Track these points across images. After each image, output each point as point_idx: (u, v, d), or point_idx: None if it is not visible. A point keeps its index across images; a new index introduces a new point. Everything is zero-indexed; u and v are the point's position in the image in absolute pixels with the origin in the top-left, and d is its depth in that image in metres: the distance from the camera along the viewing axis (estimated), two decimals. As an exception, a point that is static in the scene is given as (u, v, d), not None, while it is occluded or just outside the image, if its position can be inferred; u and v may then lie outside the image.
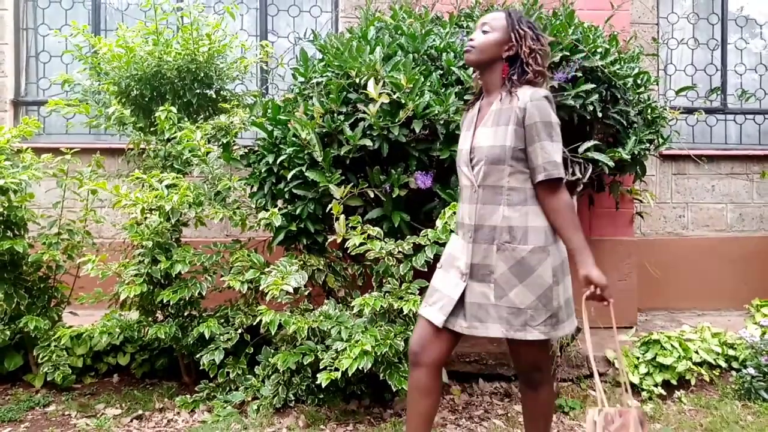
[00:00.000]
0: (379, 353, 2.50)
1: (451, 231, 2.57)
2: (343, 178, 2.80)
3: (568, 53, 2.88)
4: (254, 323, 2.86)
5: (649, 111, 3.28)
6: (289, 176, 2.79)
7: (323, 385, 2.54)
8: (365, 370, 2.50)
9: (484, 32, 1.88)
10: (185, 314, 3.00)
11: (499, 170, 1.84)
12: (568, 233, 1.83)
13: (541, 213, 1.85)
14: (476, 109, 1.97)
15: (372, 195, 2.79)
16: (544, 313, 1.84)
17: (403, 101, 2.66)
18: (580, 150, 2.95)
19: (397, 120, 2.67)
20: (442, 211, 2.63)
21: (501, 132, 1.83)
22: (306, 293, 2.83)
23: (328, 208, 2.75)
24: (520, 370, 2.04)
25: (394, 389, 2.62)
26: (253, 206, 3.04)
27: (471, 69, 2.84)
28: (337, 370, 2.53)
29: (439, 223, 2.63)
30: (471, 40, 1.90)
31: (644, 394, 3.07)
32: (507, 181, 1.84)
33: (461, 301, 1.89)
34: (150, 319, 3.02)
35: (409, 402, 1.97)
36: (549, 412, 2.06)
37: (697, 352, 3.21)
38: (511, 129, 1.82)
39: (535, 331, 1.84)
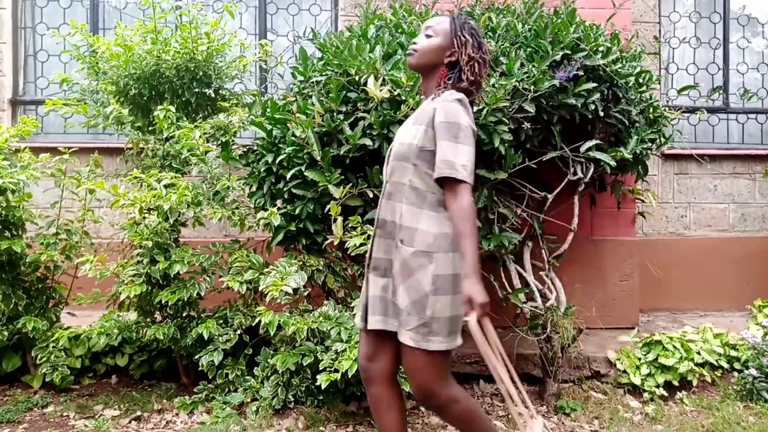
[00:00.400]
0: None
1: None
2: (343, 177, 2.78)
3: (569, 52, 2.86)
4: (253, 324, 2.84)
5: (650, 110, 3.27)
6: (289, 176, 2.77)
7: (323, 387, 2.53)
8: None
9: (428, 36, 1.88)
10: (184, 315, 2.99)
11: (403, 167, 1.84)
12: (458, 238, 1.75)
13: (437, 219, 1.81)
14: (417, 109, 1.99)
15: (372, 195, 2.78)
16: (416, 320, 1.79)
17: (403, 98, 2.64)
18: (582, 149, 2.94)
19: (398, 114, 2.64)
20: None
21: (413, 131, 1.84)
22: (305, 294, 2.82)
23: (327, 208, 2.73)
24: (416, 396, 1.93)
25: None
26: (252, 206, 3.02)
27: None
28: (336, 371, 2.51)
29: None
30: (414, 43, 1.90)
31: (646, 395, 3.06)
32: (409, 180, 1.83)
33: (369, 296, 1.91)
34: (148, 320, 3.01)
35: (375, 420, 1.96)
36: (469, 427, 1.97)
37: (699, 353, 3.19)
38: (422, 129, 1.82)
39: (405, 335, 1.80)
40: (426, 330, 1.79)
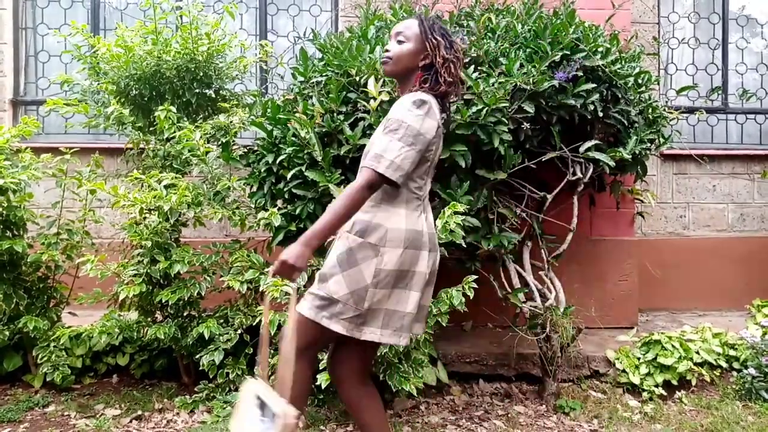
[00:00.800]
0: (378, 353, 2.49)
1: (451, 231, 2.57)
2: (343, 177, 2.78)
3: (568, 52, 2.87)
4: (254, 323, 2.85)
5: (650, 110, 3.28)
6: (289, 176, 2.78)
7: (323, 386, 2.54)
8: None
9: (399, 42, 1.86)
10: (184, 314, 3.00)
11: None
12: (323, 221, 1.72)
13: (392, 215, 1.82)
14: None
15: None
16: (353, 310, 1.80)
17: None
18: (581, 150, 2.95)
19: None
20: (442, 211, 2.62)
21: (378, 131, 1.86)
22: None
23: (327, 208, 2.74)
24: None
25: (394, 389, 2.62)
26: (253, 206, 3.03)
27: (471, 69, 2.84)
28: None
29: (438, 223, 2.61)
30: (387, 51, 1.88)
31: (645, 394, 3.07)
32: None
33: None
34: (149, 319, 3.01)
35: (360, 421, 1.96)
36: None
37: (697, 353, 3.20)
38: (380, 130, 1.83)
39: (338, 324, 1.80)
40: (360, 321, 1.81)
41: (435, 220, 2.69)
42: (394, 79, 2.00)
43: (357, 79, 2.78)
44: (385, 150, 1.76)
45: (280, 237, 2.86)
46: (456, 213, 2.57)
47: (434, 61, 1.86)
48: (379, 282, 1.80)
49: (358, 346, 1.91)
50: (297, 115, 2.77)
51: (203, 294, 2.91)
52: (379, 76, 2.71)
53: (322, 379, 2.53)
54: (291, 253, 1.68)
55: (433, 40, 1.86)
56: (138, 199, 2.74)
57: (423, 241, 1.86)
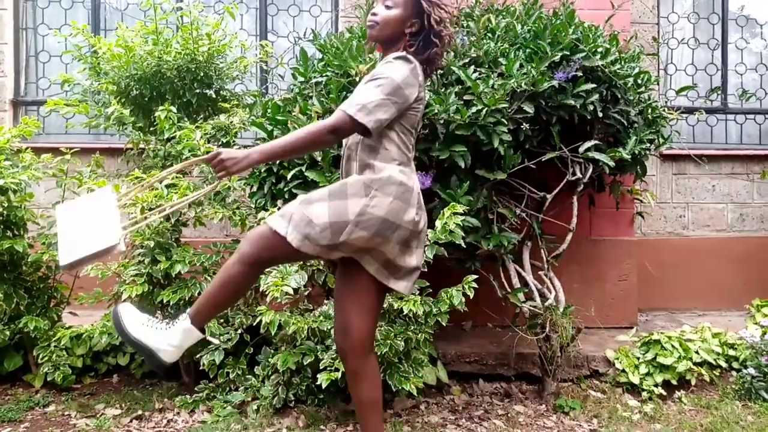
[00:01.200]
0: (378, 353, 2.49)
1: (450, 231, 2.57)
2: (343, 178, 2.79)
3: (568, 53, 2.88)
4: (254, 323, 2.86)
5: (649, 111, 3.28)
6: (289, 176, 2.79)
7: (323, 386, 2.54)
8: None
9: (387, 7, 1.82)
10: (185, 314, 2.99)
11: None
12: (275, 143, 1.77)
13: (388, 165, 1.82)
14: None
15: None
16: (327, 240, 1.76)
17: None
18: (581, 150, 2.95)
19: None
20: (441, 211, 2.62)
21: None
22: (306, 293, 2.83)
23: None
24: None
25: (394, 389, 2.62)
26: (253, 206, 3.03)
27: (471, 69, 2.85)
28: (337, 370, 2.53)
29: (438, 223, 2.62)
30: (374, 15, 1.83)
31: (644, 394, 3.07)
32: (358, 139, 1.85)
33: None
34: (150, 319, 3.01)
35: (355, 395, 1.98)
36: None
37: (697, 353, 3.21)
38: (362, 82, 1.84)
39: (308, 246, 1.76)
40: (328, 249, 1.79)
41: (435, 220, 2.71)
42: (379, 43, 1.95)
43: (357, 79, 2.78)
44: (361, 96, 1.75)
45: (281, 237, 2.86)
46: (455, 214, 2.57)
47: (427, 25, 1.83)
48: (360, 222, 1.77)
49: (362, 314, 1.92)
50: (294, 115, 2.78)
51: (203, 294, 2.91)
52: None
53: (323, 379, 2.53)
54: (230, 152, 1.73)
55: (430, 12, 1.83)
56: (139, 199, 2.75)
57: (413, 196, 1.85)
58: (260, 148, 1.75)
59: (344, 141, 1.96)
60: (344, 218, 1.77)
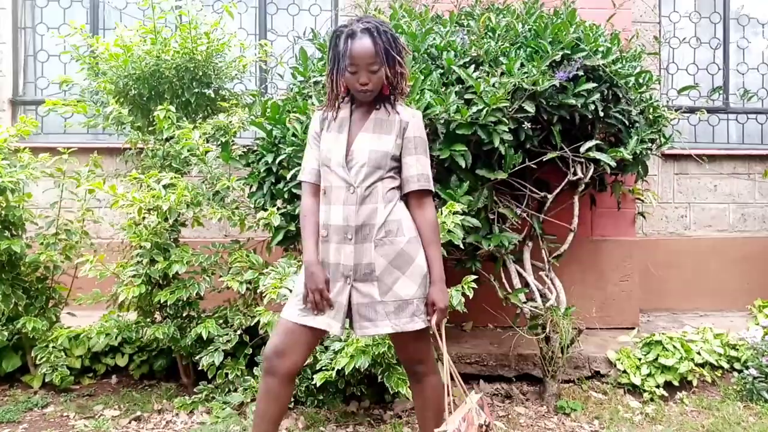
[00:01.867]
0: (376, 353, 2.48)
1: (449, 231, 2.55)
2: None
3: (569, 52, 2.86)
4: (253, 324, 2.84)
5: (651, 110, 3.27)
6: (289, 176, 2.77)
7: (320, 385, 2.53)
8: (362, 370, 2.49)
9: (373, 72, 1.87)
10: (184, 315, 2.99)
11: (378, 173, 1.92)
12: (427, 247, 1.94)
13: (407, 213, 1.97)
14: (346, 114, 1.98)
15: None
16: (424, 301, 1.93)
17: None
18: (582, 149, 2.93)
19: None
20: (440, 210, 2.61)
21: (384, 140, 1.93)
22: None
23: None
24: (406, 363, 2.07)
25: (392, 391, 2.60)
26: (252, 206, 3.02)
27: (471, 69, 2.83)
28: (333, 369, 2.51)
29: (438, 222, 2.60)
30: (365, 84, 1.88)
31: (646, 395, 3.06)
32: (383, 183, 1.93)
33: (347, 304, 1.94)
34: (148, 320, 3.00)
35: (257, 404, 2.00)
36: (437, 404, 2.05)
37: (699, 353, 3.19)
38: (393, 138, 1.93)
39: (419, 320, 1.92)
40: (428, 309, 1.94)
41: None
42: None
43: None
44: (428, 169, 1.98)
45: (280, 237, 2.85)
46: (454, 213, 2.55)
47: (395, 78, 1.93)
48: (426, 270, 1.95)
49: (315, 344, 2.05)
50: (292, 115, 2.76)
51: (202, 294, 2.90)
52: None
53: (318, 378, 2.52)
54: (439, 298, 1.91)
55: (390, 61, 1.89)
56: (137, 199, 2.73)
57: None
58: (438, 272, 1.93)
59: (340, 182, 1.93)
60: (423, 274, 1.98)
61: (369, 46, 1.84)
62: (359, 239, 1.90)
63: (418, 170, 1.94)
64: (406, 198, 1.97)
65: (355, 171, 1.90)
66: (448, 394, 1.93)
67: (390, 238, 1.90)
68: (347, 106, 1.99)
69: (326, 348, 2.64)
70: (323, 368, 2.56)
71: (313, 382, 2.55)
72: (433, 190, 1.98)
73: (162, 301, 2.81)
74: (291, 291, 2.12)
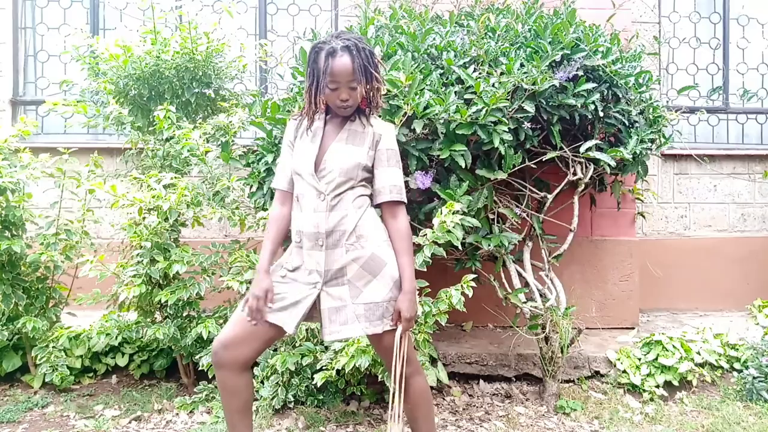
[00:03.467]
0: (377, 353, 2.48)
1: (448, 231, 2.56)
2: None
3: (569, 52, 2.87)
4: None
5: (650, 110, 3.27)
6: (289, 176, 2.77)
7: (320, 385, 2.53)
8: (362, 369, 2.49)
9: (353, 88, 1.91)
10: (184, 315, 2.99)
11: (350, 183, 1.96)
12: (402, 258, 1.96)
13: (378, 221, 2.00)
14: (320, 124, 2.02)
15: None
16: (390, 307, 1.95)
17: (401, 99, 2.64)
18: (582, 149, 2.93)
19: (396, 116, 2.65)
20: (439, 210, 2.61)
21: (357, 151, 1.97)
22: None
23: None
24: (389, 366, 2.05)
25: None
26: (252, 206, 3.02)
27: (471, 69, 2.83)
28: (334, 369, 2.52)
29: (436, 221, 2.61)
30: (345, 100, 1.92)
31: (646, 394, 3.06)
32: (353, 191, 1.97)
33: (314, 307, 1.96)
34: (149, 319, 3.00)
35: (222, 401, 2.02)
36: (427, 406, 2.09)
37: (698, 353, 3.19)
38: (366, 150, 1.97)
39: (389, 323, 1.94)
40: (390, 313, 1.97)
41: (431, 218, 2.69)
42: None
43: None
44: (400, 180, 2.02)
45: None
46: (454, 212, 2.55)
47: (377, 85, 1.97)
48: (395, 276, 1.97)
49: (271, 342, 2.03)
50: (290, 116, 2.76)
51: (203, 294, 2.90)
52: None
53: (318, 378, 2.52)
54: (405, 307, 1.92)
55: (369, 78, 1.92)
56: (137, 199, 2.73)
57: None
58: (412, 277, 1.95)
59: (311, 190, 1.97)
60: (395, 278, 2.00)
61: (349, 64, 1.87)
62: (330, 245, 1.93)
63: (391, 181, 1.98)
64: (378, 209, 2.02)
65: (326, 180, 1.94)
66: (400, 403, 1.96)
67: (361, 242, 1.94)
68: (322, 117, 2.03)
69: (326, 348, 2.65)
70: (323, 368, 2.56)
71: (314, 382, 2.55)
72: (405, 201, 2.01)
73: (162, 301, 2.81)
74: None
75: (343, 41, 1.88)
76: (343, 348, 2.55)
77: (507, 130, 2.71)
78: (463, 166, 2.72)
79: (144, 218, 2.82)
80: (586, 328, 3.21)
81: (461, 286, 2.66)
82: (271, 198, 2.95)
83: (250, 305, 1.91)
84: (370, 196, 2.01)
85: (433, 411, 2.10)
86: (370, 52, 1.94)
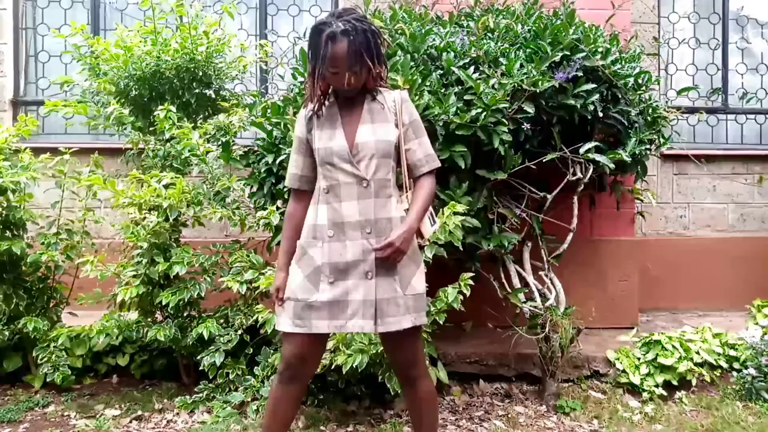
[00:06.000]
0: (374, 352, 2.49)
1: (449, 232, 2.56)
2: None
3: (568, 53, 2.87)
4: (254, 324, 2.85)
5: (650, 111, 3.27)
6: (289, 176, 2.78)
7: (320, 385, 2.54)
8: (360, 369, 2.50)
9: (354, 72, 1.83)
10: (185, 315, 2.99)
11: (387, 164, 1.91)
12: (414, 205, 1.91)
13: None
14: (334, 110, 1.93)
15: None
16: (425, 299, 1.97)
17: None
18: (581, 151, 2.94)
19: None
20: (440, 210, 2.61)
21: (386, 129, 1.91)
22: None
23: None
24: (400, 366, 2.01)
25: (392, 392, 2.61)
26: (253, 206, 3.03)
27: (471, 69, 2.84)
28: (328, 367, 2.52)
29: (437, 222, 2.61)
30: (348, 83, 1.84)
31: (645, 394, 3.06)
32: (389, 174, 1.92)
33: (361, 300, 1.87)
34: (149, 319, 3.01)
35: (274, 412, 2.00)
36: (434, 410, 2.05)
37: (698, 353, 3.20)
38: (392, 127, 1.92)
39: (425, 316, 1.94)
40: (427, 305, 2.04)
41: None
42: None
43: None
44: (431, 147, 2.00)
45: (280, 237, 2.86)
46: (456, 213, 2.56)
47: (382, 61, 1.92)
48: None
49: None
50: (288, 117, 2.78)
51: (203, 295, 2.91)
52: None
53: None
54: (400, 236, 1.83)
55: (377, 50, 1.86)
56: (137, 196, 2.74)
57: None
58: (417, 216, 1.89)
59: (350, 178, 1.88)
60: (423, 268, 2.03)
61: (350, 49, 1.79)
62: (378, 233, 1.86)
63: (425, 151, 1.96)
64: (415, 180, 1.97)
65: (364, 165, 1.87)
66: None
67: None
68: (332, 101, 1.95)
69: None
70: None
71: (316, 383, 2.55)
72: (439, 165, 2.00)
73: (163, 303, 2.82)
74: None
75: (345, 23, 1.80)
76: (338, 347, 2.55)
77: (507, 130, 2.72)
78: (463, 167, 2.72)
79: (144, 218, 2.83)
80: (586, 328, 3.21)
81: (459, 285, 2.67)
82: (272, 198, 2.96)
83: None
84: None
85: (437, 417, 2.05)
86: (372, 30, 1.85)
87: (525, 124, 2.80)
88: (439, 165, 1.99)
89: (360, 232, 1.86)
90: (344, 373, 2.49)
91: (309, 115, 1.95)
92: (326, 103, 1.94)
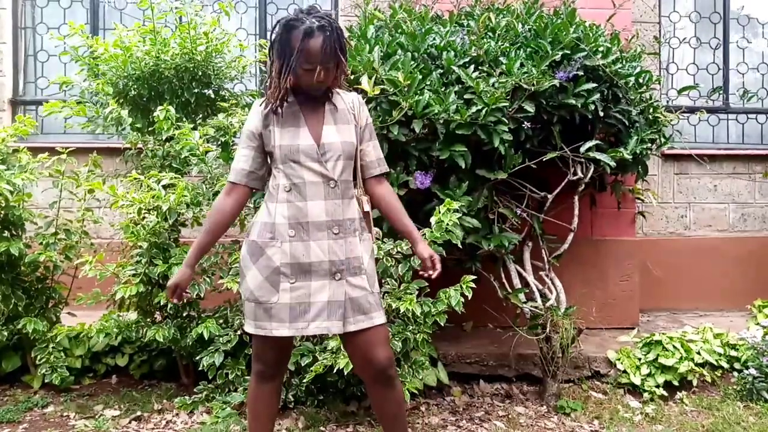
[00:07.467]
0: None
1: (447, 231, 2.55)
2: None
3: (569, 52, 2.86)
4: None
5: (650, 110, 3.27)
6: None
7: (320, 385, 2.53)
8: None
9: (327, 69, 1.82)
10: (184, 315, 2.99)
11: (350, 165, 1.95)
12: (405, 217, 2.02)
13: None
14: (295, 108, 1.90)
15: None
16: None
17: (399, 99, 2.64)
18: (582, 150, 2.93)
19: (390, 120, 2.64)
20: (437, 208, 2.60)
21: (347, 130, 1.94)
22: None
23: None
24: (380, 366, 1.91)
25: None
26: (252, 206, 3.02)
27: (471, 68, 2.83)
28: (328, 367, 2.52)
29: (433, 220, 2.60)
30: (321, 81, 1.83)
31: (646, 395, 3.06)
32: (350, 175, 1.96)
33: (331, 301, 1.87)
34: (148, 320, 3.00)
35: (255, 410, 2.03)
36: (404, 411, 2.06)
37: (699, 353, 3.19)
38: (352, 128, 1.95)
39: (383, 316, 1.96)
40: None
41: (430, 218, 2.68)
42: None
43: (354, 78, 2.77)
44: (380, 152, 2.08)
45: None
46: (453, 211, 2.55)
47: (344, 62, 1.89)
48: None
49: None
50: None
51: (203, 295, 2.90)
52: (379, 76, 2.70)
53: (309, 377, 2.52)
54: (430, 249, 2.02)
55: (339, 60, 1.84)
56: (136, 199, 2.73)
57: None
58: (416, 231, 2.06)
59: (316, 177, 1.87)
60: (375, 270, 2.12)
61: (326, 44, 1.78)
62: (344, 233, 1.89)
63: (377, 155, 2.03)
64: (368, 182, 2.03)
65: (331, 165, 1.87)
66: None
67: (364, 234, 1.97)
68: (292, 100, 1.91)
69: (324, 349, 2.65)
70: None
71: (304, 380, 2.55)
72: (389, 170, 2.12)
73: (162, 302, 2.81)
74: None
75: (318, 20, 1.79)
76: (339, 348, 2.55)
77: (507, 130, 2.72)
78: (463, 167, 2.72)
79: (143, 218, 2.82)
80: (587, 328, 3.21)
81: (460, 286, 2.66)
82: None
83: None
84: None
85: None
86: (341, 30, 1.86)
87: (525, 123, 2.80)
88: (388, 169, 2.07)
89: (326, 233, 1.86)
90: (345, 374, 2.48)
91: (266, 111, 1.90)
92: (288, 101, 1.91)
